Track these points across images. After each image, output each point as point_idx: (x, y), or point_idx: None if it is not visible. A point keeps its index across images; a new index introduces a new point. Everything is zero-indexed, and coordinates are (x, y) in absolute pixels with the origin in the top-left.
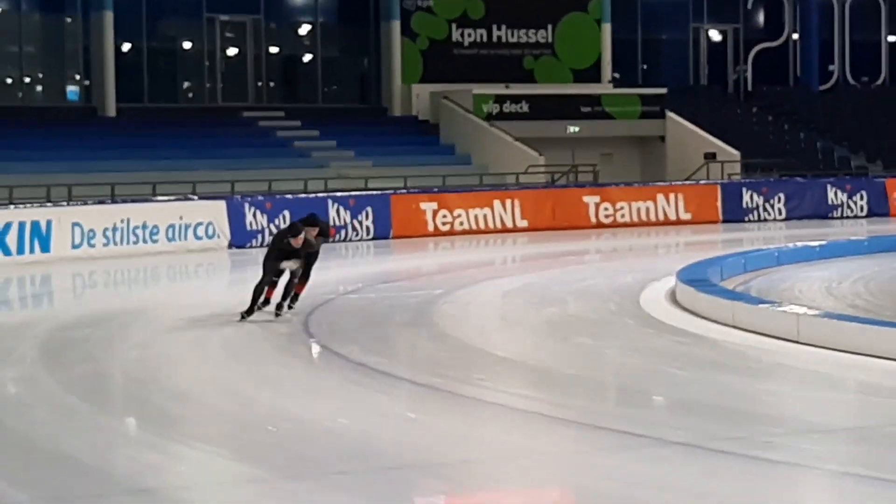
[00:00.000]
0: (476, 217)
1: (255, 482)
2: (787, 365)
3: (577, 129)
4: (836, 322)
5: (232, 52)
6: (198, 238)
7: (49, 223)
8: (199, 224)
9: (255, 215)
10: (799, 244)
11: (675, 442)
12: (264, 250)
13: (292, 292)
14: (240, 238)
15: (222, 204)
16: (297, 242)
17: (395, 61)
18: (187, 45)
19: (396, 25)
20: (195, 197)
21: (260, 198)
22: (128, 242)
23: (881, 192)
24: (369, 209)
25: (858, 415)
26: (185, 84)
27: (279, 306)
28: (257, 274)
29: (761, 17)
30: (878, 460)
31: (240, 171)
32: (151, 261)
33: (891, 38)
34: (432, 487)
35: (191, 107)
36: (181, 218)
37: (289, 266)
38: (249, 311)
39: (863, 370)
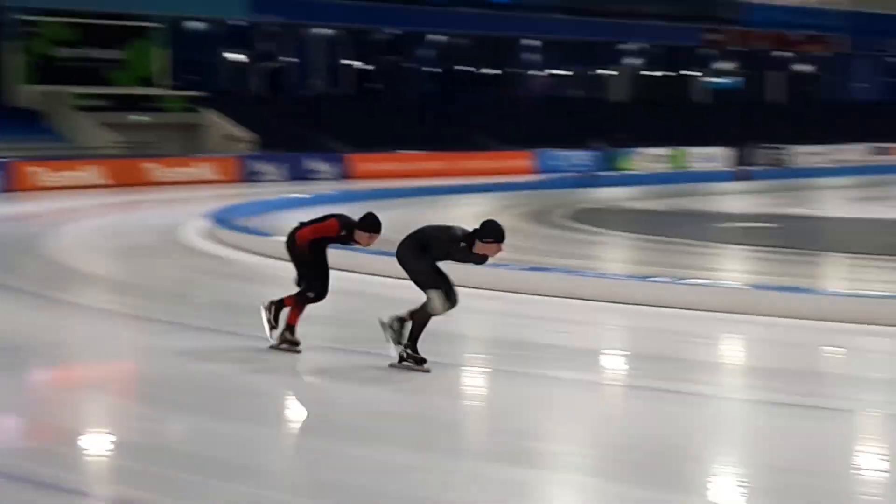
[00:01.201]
0: (70, 178)
1: None
2: (278, 275)
3: (144, 118)
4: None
5: None
6: None
7: None
8: None
9: None
10: (292, 195)
11: (198, 327)
12: None
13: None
14: None
15: None
16: (498, 249)
17: (14, 68)
18: None
19: (14, 44)
20: None
21: None
22: None
23: (349, 163)
24: None
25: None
26: None
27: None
28: None
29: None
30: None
31: None
32: None
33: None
34: (33, 363)
35: None
36: None
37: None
38: (410, 358)
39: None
